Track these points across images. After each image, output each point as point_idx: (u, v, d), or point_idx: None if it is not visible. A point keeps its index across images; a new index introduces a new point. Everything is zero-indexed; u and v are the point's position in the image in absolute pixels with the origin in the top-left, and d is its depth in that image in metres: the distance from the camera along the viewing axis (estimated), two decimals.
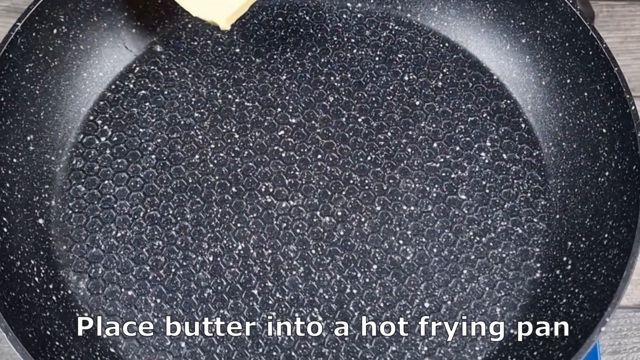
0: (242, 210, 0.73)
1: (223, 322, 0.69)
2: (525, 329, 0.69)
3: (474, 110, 0.78)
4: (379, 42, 0.81)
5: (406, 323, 0.69)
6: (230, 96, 0.78)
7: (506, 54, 0.80)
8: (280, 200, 0.73)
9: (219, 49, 0.81)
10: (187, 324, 0.68)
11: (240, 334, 0.68)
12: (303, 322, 0.69)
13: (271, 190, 0.74)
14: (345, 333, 0.68)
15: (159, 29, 0.81)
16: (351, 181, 0.74)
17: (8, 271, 0.66)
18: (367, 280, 0.70)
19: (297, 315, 0.69)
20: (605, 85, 0.71)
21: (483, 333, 0.69)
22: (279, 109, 0.78)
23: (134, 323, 0.69)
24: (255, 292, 0.70)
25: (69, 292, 0.70)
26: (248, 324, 0.68)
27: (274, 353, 0.67)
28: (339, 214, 0.73)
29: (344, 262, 0.71)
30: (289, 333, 0.68)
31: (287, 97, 0.78)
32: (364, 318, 0.69)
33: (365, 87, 0.79)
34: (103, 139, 0.76)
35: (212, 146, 0.76)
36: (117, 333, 0.68)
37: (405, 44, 0.81)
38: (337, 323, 0.68)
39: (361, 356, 0.67)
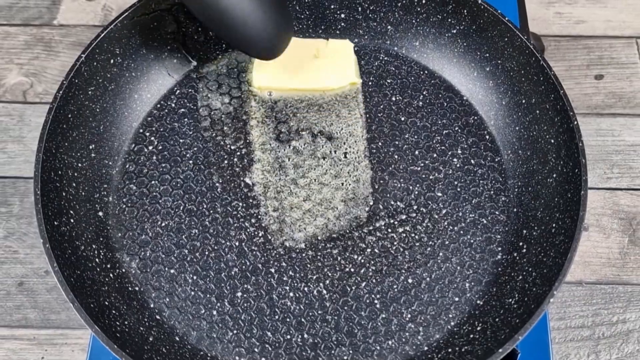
0: (260, 204, 0.73)
1: (246, 295, 0.69)
2: (488, 300, 0.69)
3: (448, 124, 0.78)
4: (371, 69, 0.81)
5: (393, 295, 0.69)
6: (250, 112, 0.78)
7: (474, 79, 0.80)
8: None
9: (243, 74, 0.81)
10: (217, 295, 0.68)
11: (260, 303, 0.68)
12: (311, 294, 0.68)
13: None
14: (346, 303, 0.68)
15: (196, 60, 0.81)
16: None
17: (74, 254, 0.66)
18: (362, 261, 0.70)
19: (306, 289, 0.69)
20: (553, 104, 0.71)
21: (455, 303, 0.69)
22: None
23: (175, 295, 0.69)
24: (273, 270, 0.70)
25: (123, 270, 0.70)
26: (266, 296, 0.68)
27: (287, 319, 0.67)
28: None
29: (342, 249, 0.71)
30: (300, 303, 0.68)
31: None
32: (360, 291, 0.69)
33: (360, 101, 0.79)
34: (150, 147, 0.76)
35: (238, 153, 0.76)
36: (161, 303, 0.68)
37: (393, 71, 0.81)
38: (338, 295, 0.68)
39: (357, 322, 0.67)
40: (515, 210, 0.73)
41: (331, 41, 0.81)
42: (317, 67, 0.79)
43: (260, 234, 0.71)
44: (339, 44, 0.81)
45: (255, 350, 0.66)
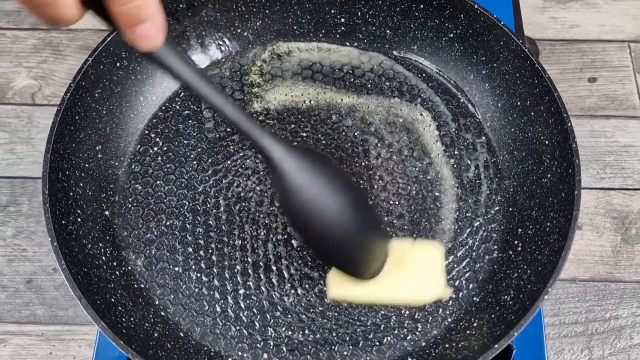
0: (266, 203, 0.73)
1: (249, 292, 0.69)
2: (484, 297, 0.69)
3: (445, 126, 0.78)
4: (370, 72, 0.81)
5: None
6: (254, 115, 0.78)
7: (470, 82, 0.80)
8: None
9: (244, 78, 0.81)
10: (221, 292, 0.69)
11: (262, 300, 0.68)
12: (312, 292, 0.69)
13: None
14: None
15: (198, 63, 0.81)
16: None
17: (81, 252, 0.66)
18: None
19: (307, 286, 0.69)
20: (548, 106, 0.71)
21: (452, 300, 0.69)
22: (296, 121, 0.78)
23: (180, 292, 0.69)
24: (275, 267, 0.70)
25: (129, 268, 0.70)
26: (268, 293, 0.68)
27: (289, 316, 0.67)
28: None
29: None
30: (301, 300, 0.68)
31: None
32: None
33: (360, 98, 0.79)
34: (155, 148, 0.76)
35: (241, 154, 0.76)
36: (166, 300, 0.68)
37: (392, 74, 0.81)
38: None
39: (357, 318, 0.67)
40: (510, 209, 0.73)
41: (419, 244, 0.70)
42: (401, 277, 0.67)
43: (262, 233, 0.71)
44: (427, 249, 0.70)
45: (258, 345, 0.66)
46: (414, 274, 0.68)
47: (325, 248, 0.62)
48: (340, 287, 0.67)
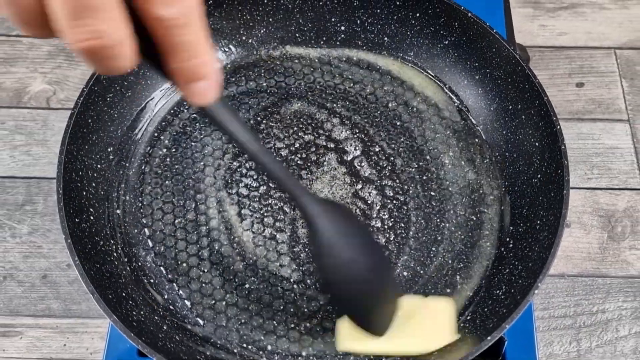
0: (268, 204, 0.73)
1: (253, 286, 0.68)
2: (477, 291, 0.69)
3: (440, 129, 0.78)
4: (369, 78, 0.81)
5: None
6: (258, 119, 0.78)
7: (464, 87, 0.80)
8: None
9: (251, 83, 0.81)
10: (226, 287, 0.68)
11: (266, 295, 0.68)
12: (314, 286, 0.68)
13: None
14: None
15: None
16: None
17: (94, 248, 0.66)
18: None
19: (309, 281, 0.69)
20: (538, 110, 0.71)
21: (446, 295, 0.69)
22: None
23: (187, 287, 0.69)
24: (278, 263, 0.69)
25: (139, 264, 0.70)
26: (273, 287, 0.68)
27: (292, 309, 0.67)
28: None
29: None
30: (304, 294, 0.68)
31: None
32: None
33: (360, 111, 0.79)
34: (164, 150, 0.76)
35: (246, 155, 0.76)
36: (174, 294, 0.68)
37: (389, 79, 0.81)
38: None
39: None
40: (502, 208, 0.73)
41: (430, 300, 0.67)
42: (410, 329, 0.64)
43: (267, 231, 0.71)
44: (439, 305, 0.66)
45: (262, 337, 0.66)
46: (423, 327, 0.64)
47: (345, 299, 0.62)
48: (350, 339, 0.65)
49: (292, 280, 0.69)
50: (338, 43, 0.83)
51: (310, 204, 0.57)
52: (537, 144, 0.72)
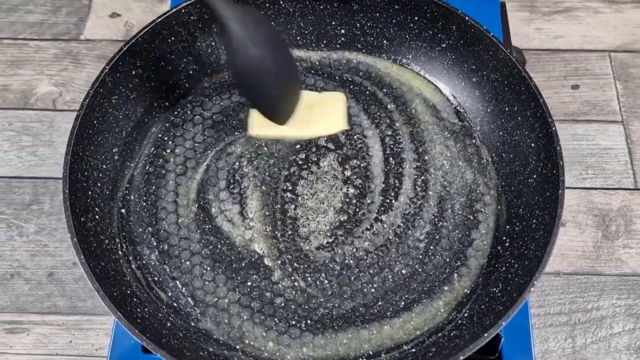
0: (269, 202, 0.73)
1: (254, 284, 0.68)
2: (475, 289, 0.69)
3: (438, 130, 0.78)
4: (368, 79, 0.81)
5: (389, 285, 0.69)
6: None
7: (461, 89, 0.80)
8: (300, 196, 0.73)
9: None
10: (229, 285, 0.68)
11: (266, 292, 0.68)
12: (314, 284, 0.68)
13: (290, 188, 0.74)
14: (345, 292, 0.68)
15: (209, 71, 0.81)
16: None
17: (99, 247, 0.66)
18: (361, 254, 0.70)
19: (309, 279, 0.69)
20: (534, 112, 0.71)
21: (445, 292, 0.69)
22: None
23: (190, 285, 0.68)
24: (279, 262, 0.70)
25: (144, 262, 0.70)
26: (273, 286, 0.68)
27: (292, 307, 0.67)
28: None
29: (343, 244, 0.71)
30: (303, 292, 0.68)
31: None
32: (358, 282, 0.69)
33: (360, 112, 0.79)
34: (168, 150, 0.76)
35: (248, 156, 0.76)
36: (178, 292, 0.68)
37: (387, 82, 0.81)
38: (338, 285, 0.68)
39: (356, 309, 0.67)
40: (499, 207, 0.73)
41: (326, 93, 0.80)
42: (311, 117, 0.77)
43: (268, 229, 0.71)
44: (334, 97, 0.79)
45: (263, 334, 0.66)
46: (322, 113, 0.78)
47: (253, 93, 0.72)
48: (260, 126, 0.77)
49: (293, 277, 0.69)
50: (338, 46, 0.83)
51: (225, 9, 0.64)
52: (533, 145, 0.71)
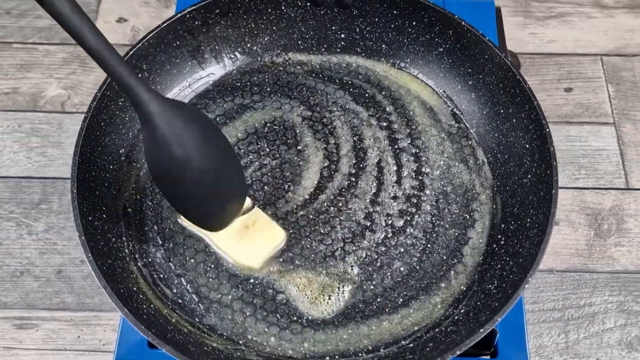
0: (271, 202, 0.73)
1: (257, 281, 0.68)
2: (471, 286, 0.69)
3: (435, 132, 0.78)
4: (367, 82, 0.81)
5: (387, 282, 0.69)
6: (262, 122, 0.78)
7: (458, 91, 0.80)
8: (300, 197, 0.73)
9: (255, 88, 0.81)
10: (232, 282, 0.68)
11: (268, 289, 0.68)
12: (315, 281, 0.68)
13: (291, 188, 0.74)
14: (345, 289, 0.68)
15: (212, 74, 0.81)
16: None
17: (106, 245, 0.66)
18: (360, 252, 0.70)
19: (310, 275, 0.69)
20: (528, 114, 0.71)
21: (442, 289, 0.69)
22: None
23: (195, 282, 0.68)
24: (281, 259, 0.69)
25: (149, 260, 0.70)
26: (276, 283, 0.68)
27: (294, 303, 0.67)
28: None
29: (343, 242, 0.71)
30: (305, 289, 0.68)
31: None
32: (357, 278, 0.69)
33: (359, 114, 0.79)
34: None
35: (250, 156, 0.76)
36: (182, 289, 0.68)
37: (386, 85, 0.81)
38: (338, 282, 0.68)
39: (355, 305, 0.67)
40: (494, 207, 0.73)
41: (271, 223, 0.70)
42: (238, 239, 0.69)
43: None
44: (273, 229, 0.70)
45: (266, 329, 0.66)
46: (247, 241, 0.69)
47: (177, 199, 0.60)
48: (191, 225, 0.69)
49: (294, 274, 0.69)
50: (338, 50, 0.83)
51: (150, 100, 0.52)
52: (527, 146, 0.71)
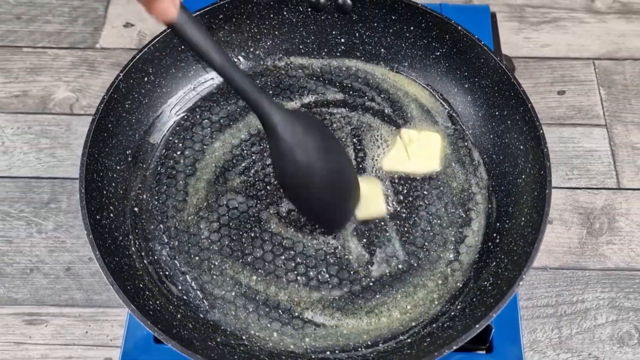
0: (274, 202, 0.73)
1: (260, 278, 0.68)
2: (467, 283, 0.69)
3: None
4: (366, 85, 0.81)
5: (386, 279, 0.69)
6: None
7: (454, 94, 0.80)
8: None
9: None
10: (235, 279, 0.68)
11: (271, 286, 0.68)
12: (315, 279, 0.68)
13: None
14: (345, 286, 0.68)
15: (216, 77, 0.81)
16: None
17: (113, 243, 0.66)
18: (359, 250, 0.70)
19: (311, 273, 0.69)
20: (522, 116, 0.71)
21: (439, 286, 0.69)
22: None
23: (200, 279, 0.69)
24: (284, 257, 0.70)
25: (155, 257, 0.70)
26: (278, 280, 0.68)
27: (295, 300, 0.67)
28: None
29: (342, 241, 0.71)
30: (306, 286, 0.68)
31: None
32: (357, 275, 0.69)
33: (358, 116, 0.79)
34: (178, 152, 0.76)
35: (253, 157, 0.76)
36: (187, 286, 0.68)
37: (385, 88, 0.81)
38: (339, 280, 0.68)
39: (356, 302, 0.67)
40: (490, 206, 0.73)
41: (423, 133, 0.77)
42: (410, 154, 0.75)
43: (272, 227, 0.71)
44: (430, 136, 0.77)
45: (268, 325, 0.66)
46: (418, 153, 0.75)
47: (304, 204, 0.66)
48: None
49: (296, 272, 0.69)
50: (338, 54, 0.83)
51: (274, 113, 0.57)
52: (521, 147, 0.71)
